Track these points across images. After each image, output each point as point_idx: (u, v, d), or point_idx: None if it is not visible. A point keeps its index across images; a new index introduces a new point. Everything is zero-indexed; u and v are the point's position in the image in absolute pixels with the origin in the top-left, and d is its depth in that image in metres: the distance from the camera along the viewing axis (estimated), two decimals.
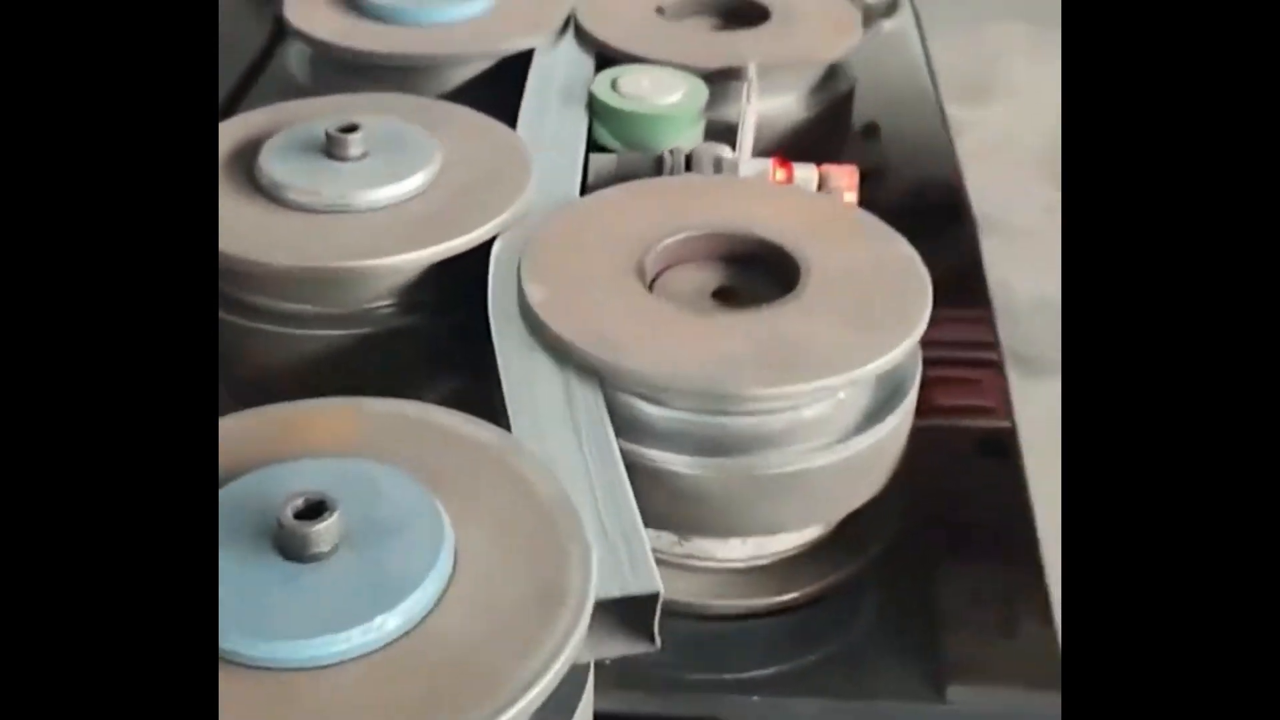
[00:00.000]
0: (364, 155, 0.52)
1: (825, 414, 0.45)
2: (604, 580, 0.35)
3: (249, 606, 0.33)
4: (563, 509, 0.36)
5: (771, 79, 0.65)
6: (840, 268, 0.47)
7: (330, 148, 0.52)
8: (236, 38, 0.78)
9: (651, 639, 0.36)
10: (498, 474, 0.37)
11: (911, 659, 0.46)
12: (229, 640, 0.32)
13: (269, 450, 0.37)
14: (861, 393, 0.46)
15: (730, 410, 0.44)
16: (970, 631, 0.47)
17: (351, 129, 0.52)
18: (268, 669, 0.32)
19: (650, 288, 0.47)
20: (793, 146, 0.67)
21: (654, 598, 0.35)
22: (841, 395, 0.45)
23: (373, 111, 0.55)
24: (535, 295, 0.45)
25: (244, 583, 0.33)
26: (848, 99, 0.71)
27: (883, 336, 0.44)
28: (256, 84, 0.76)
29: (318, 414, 0.40)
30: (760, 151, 0.61)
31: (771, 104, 0.66)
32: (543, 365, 0.44)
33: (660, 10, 0.71)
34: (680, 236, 0.48)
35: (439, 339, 0.48)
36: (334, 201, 0.50)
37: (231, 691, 0.31)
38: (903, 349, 0.44)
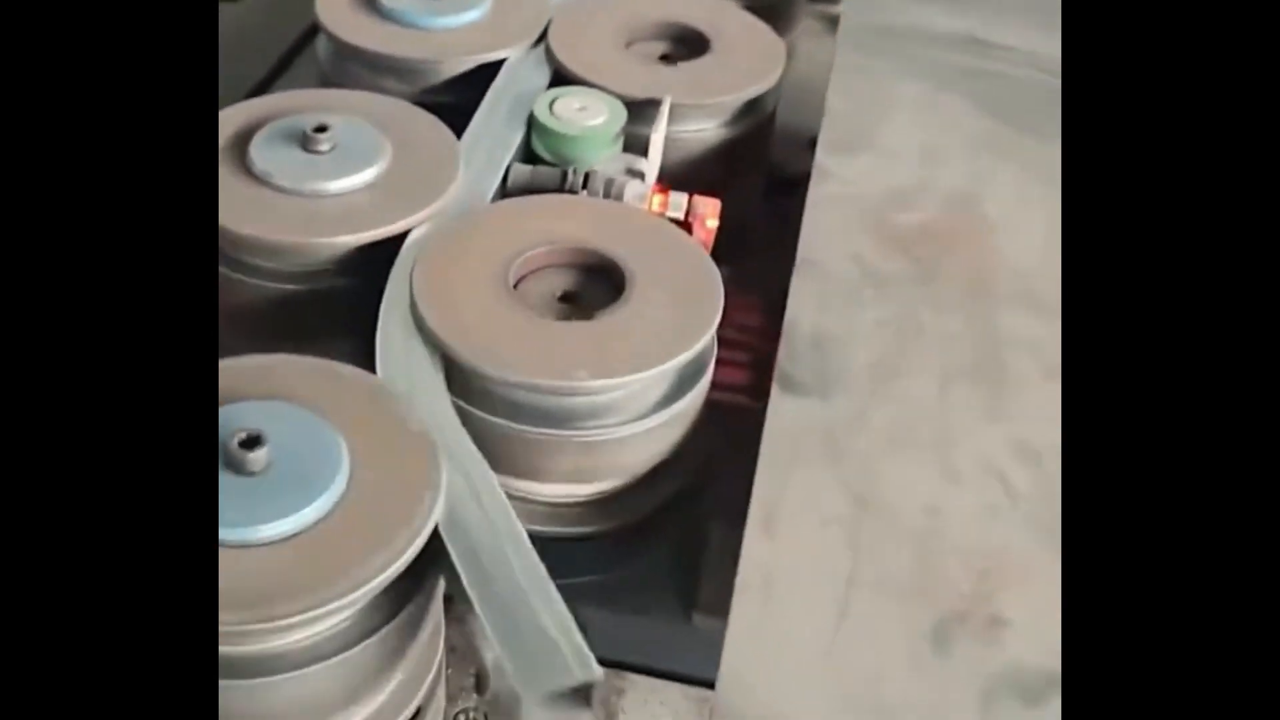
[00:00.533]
0: (331, 149, 0.68)
1: (635, 395, 0.60)
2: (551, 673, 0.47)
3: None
4: (425, 443, 0.51)
5: (693, 109, 0.79)
6: (658, 279, 0.62)
7: (305, 142, 0.68)
8: (276, 25, 0.94)
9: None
10: (383, 415, 0.53)
11: (673, 587, 0.62)
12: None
13: (226, 391, 0.53)
14: (665, 378, 0.61)
15: (560, 393, 0.59)
16: (716, 572, 0.62)
17: (323, 129, 0.67)
18: (228, 546, 0.48)
19: (515, 287, 0.62)
20: (714, 163, 0.82)
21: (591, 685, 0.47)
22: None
23: (348, 110, 0.71)
24: (420, 291, 0.61)
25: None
26: (769, 121, 0.84)
27: (683, 338, 0.59)
28: (296, 63, 0.92)
29: (258, 366, 0.56)
30: (684, 166, 0.76)
31: (693, 128, 0.81)
32: (416, 350, 0.59)
33: (628, 42, 0.85)
34: (540, 250, 0.63)
35: (352, 305, 0.64)
36: (301, 187, 0.66)
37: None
38: (697, 348, 0.59)
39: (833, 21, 0.95)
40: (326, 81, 0.84)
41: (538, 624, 0.47)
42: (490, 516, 0.50)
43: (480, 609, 0.48)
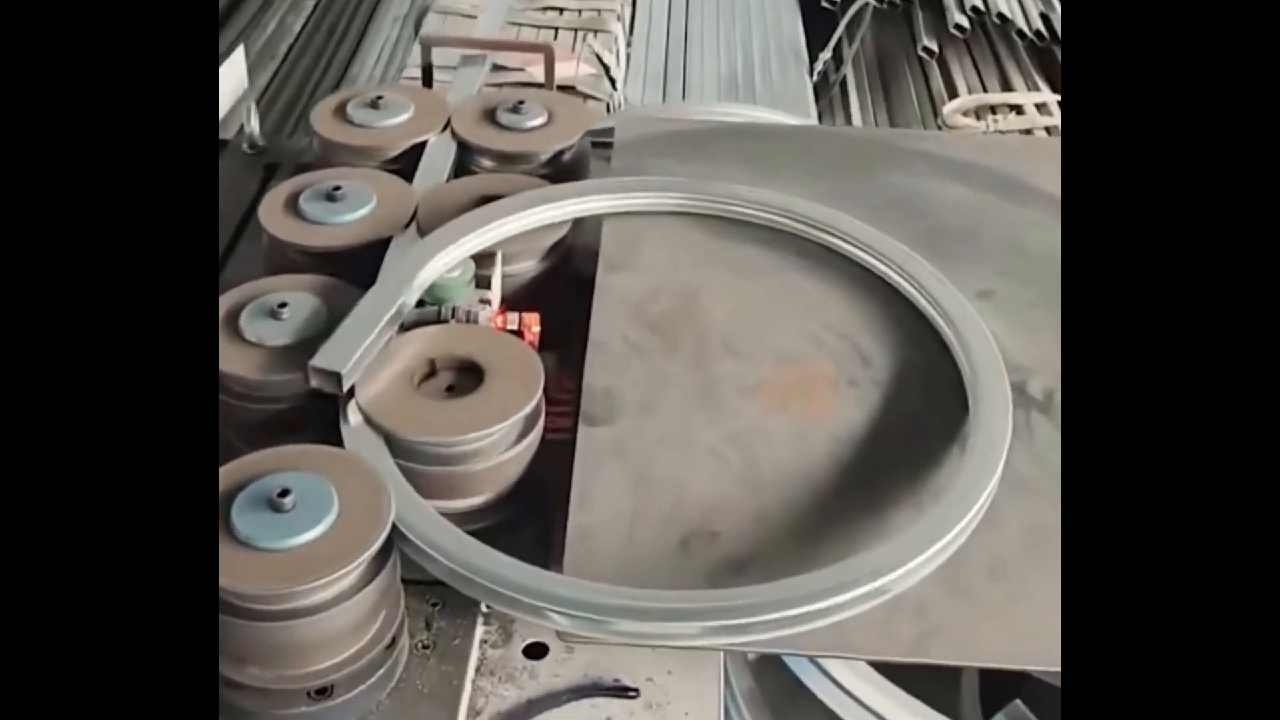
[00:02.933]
0: (290, 318, 1.08)
1: (496, 441, 1.01)
2: None
3: (262, 529, 0.87)
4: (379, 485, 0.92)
5: (516, 254, 1.22)
6: (503, 370, 1.03)
7: (273, 314, 1.08)
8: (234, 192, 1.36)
9: None
10: (357, 477, 0.93)
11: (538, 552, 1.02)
12: (258, 541, 0.87)
13: (267, 466, 0.93)
14: (513, 428, 1.02)
15: (448, 445, 1.00)
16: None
17: (284, 305, 1.08)
18: (270, 550, 0.86)
19: (419, 386, 1.03)
20: (536, 287, 1.24)
21: None
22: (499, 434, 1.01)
23: (296, 289, 1.12)
24: (361, 393, 1.01)
25: (259, 521, 0.87)
26: (569, 254, 1.27)
27: (519, 404, 1.00)
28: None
29: (280, 452, 0.95)
30: (517, 292, 1.18)
31: (518, 267, 1.23)
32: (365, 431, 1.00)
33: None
34: (432, 358, 1.04)
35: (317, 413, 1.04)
36: (264, 340, 1.06)
37: (253, 562, 0.85)
38: (526, 410, 1.00)
39: None
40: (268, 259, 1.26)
41: None
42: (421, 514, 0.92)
43: None
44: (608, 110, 2.01)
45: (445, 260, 1.15)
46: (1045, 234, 1.26)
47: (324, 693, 0.90)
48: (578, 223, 1.27)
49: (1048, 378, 1.09)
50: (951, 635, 0.91)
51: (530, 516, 1.04)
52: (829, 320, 1.15)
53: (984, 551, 0.95)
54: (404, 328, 1.11)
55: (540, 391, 1.01)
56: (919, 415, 1.06)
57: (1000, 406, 1.00)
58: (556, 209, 1.22)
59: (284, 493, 0.88)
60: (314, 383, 0.99)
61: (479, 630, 1.00)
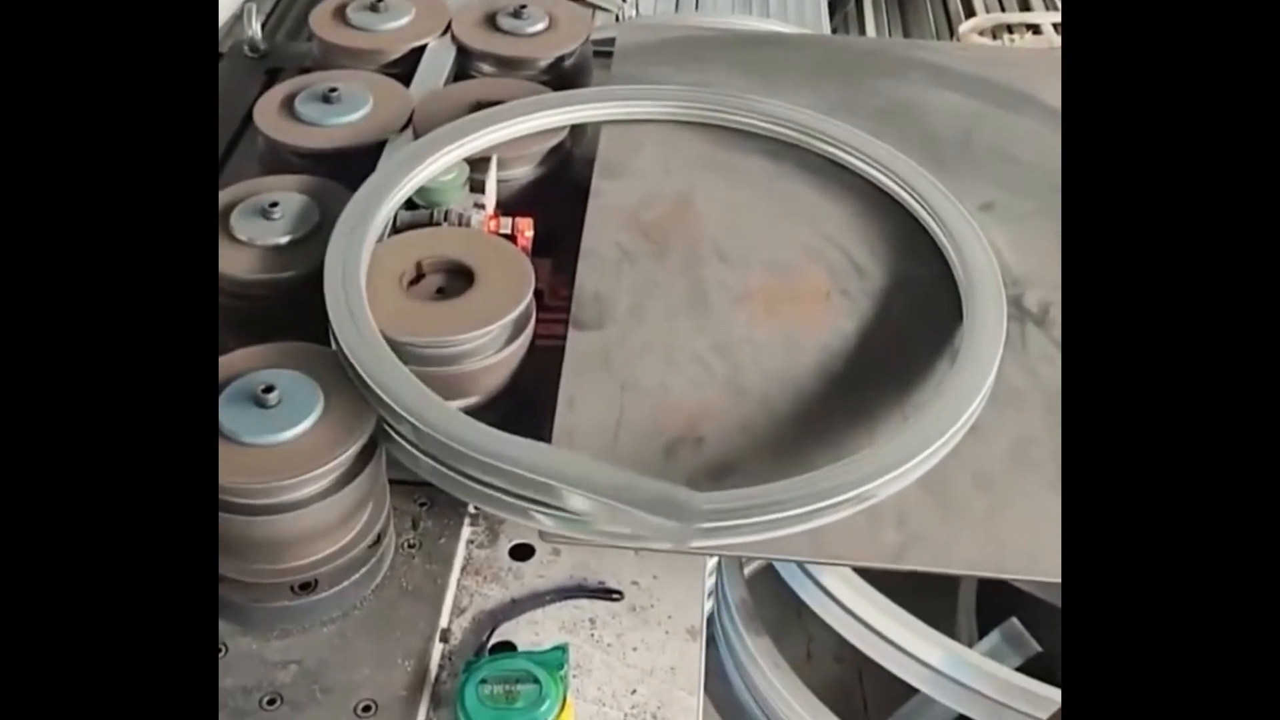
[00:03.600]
0: (280, 217, 1.08)
1: (486, 343, 1.01)
2: None
3: (246, 423, 0.87)
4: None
5: (512, 159, 1.20)
6: (494, 274, 1.02)
7: (264, 214, 1.08)
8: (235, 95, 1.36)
9: None
10: (338, 373, 0.93)
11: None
12: (241, 436, 0.87)
13: (253, 363, 0.93)
14: (503, 330, 1.02)
15: (436, 346, 0.99)
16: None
17: (274, 204, 1.08)
18: (253, 445, 0.86)
19: (408, 288, 1.03)
20: (531, 193, 1.23)
21: None
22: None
23: (287, 189, 1.11)
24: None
25: (243, 416, 0.88)
26: (567, 160, 1.26)
27: (507, 308, 1.00)
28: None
29: (265, 349, 0.95)
30: (512, 197, 1.17)
31: (514, 172, 1.22)
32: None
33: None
34: (419, 260, 1.04)
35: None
36: (257, 239, 1.06)
37: (236, 457, 0.86)
38: (516, 313, 1.00)
39: None
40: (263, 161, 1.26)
41: None
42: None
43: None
44: (616, 20, 1.98)
45: (439, 164, 1.14)
46: (1043, 145, 1.24)
47: (307, 587, 0.91)
48: (576, 129, 1.26)
49: (1045, 290, 1.08)
50: (932, 543, 0.91)
51: (519, 420, 1.04)
52: (824, 230, 1.14)
53: (969, 462, 0.94)
54: (396, 230, 1.10)
55: (530, 295, 1.01)
56: (912, 327, 1.05)
57: (994, 317, 0.98)
58: (552, 116, 1.20)
59: (268, 389, 0.88)
60: None
61: (465, 531, 1.01)
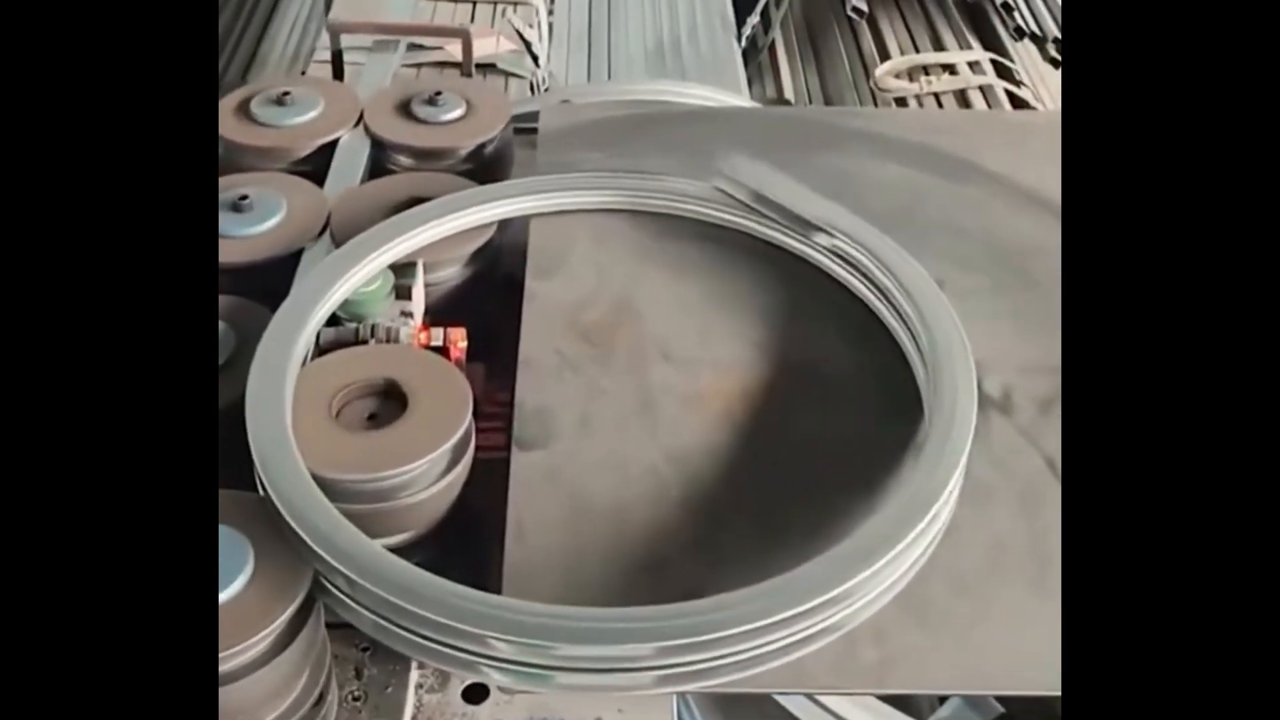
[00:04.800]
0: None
1: (421, 474, 0.94)
2: None
3: None
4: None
5: (437, 263, 1.14)
6: (428, 393, 0.96)
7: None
8: None
9: None
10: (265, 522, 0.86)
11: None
12: None
13: None
14: (442, 457, 0.95)
15: (370, 482, 0.92)
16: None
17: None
18: None
19: (337, 415, 0.96)
20: (464, 292, 1.17)
21: None
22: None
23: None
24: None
25: None
26: (493, 262, 1.20)
27: (444, 428, 0.93)
28: None
29: None
30: (441, 302, 1.11)
31: (442, 274, 1.16)
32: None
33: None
34: (350, 385, 0.97)
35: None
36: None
37: None
38: (454, 440, 0.94)
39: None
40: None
41: None
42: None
43: None
44: (531, 89, 1.93)
45: (362, 274, 1.07)
46: (989, 215, 1.20)
47: None
48: (503, 223, 1.19)
49: (1007, 374, 1.04)
50: (913, 661, 0.86)
51: (465, 551, 0.98)
52: (771, 321, 1.09)
53: (944, 567, 0.90)
54: (320, 350, 1.03)
55: (469, 418, 0.95)
56: (872, 420, 1.00)
57: (964, 411, 0.93)
58: (480, 212, 1.14)
59: None
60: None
61: (414, 675, 0.94)
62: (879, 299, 1.07)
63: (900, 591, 0.87)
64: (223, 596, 0.80)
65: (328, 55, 1.80)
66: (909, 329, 1.03)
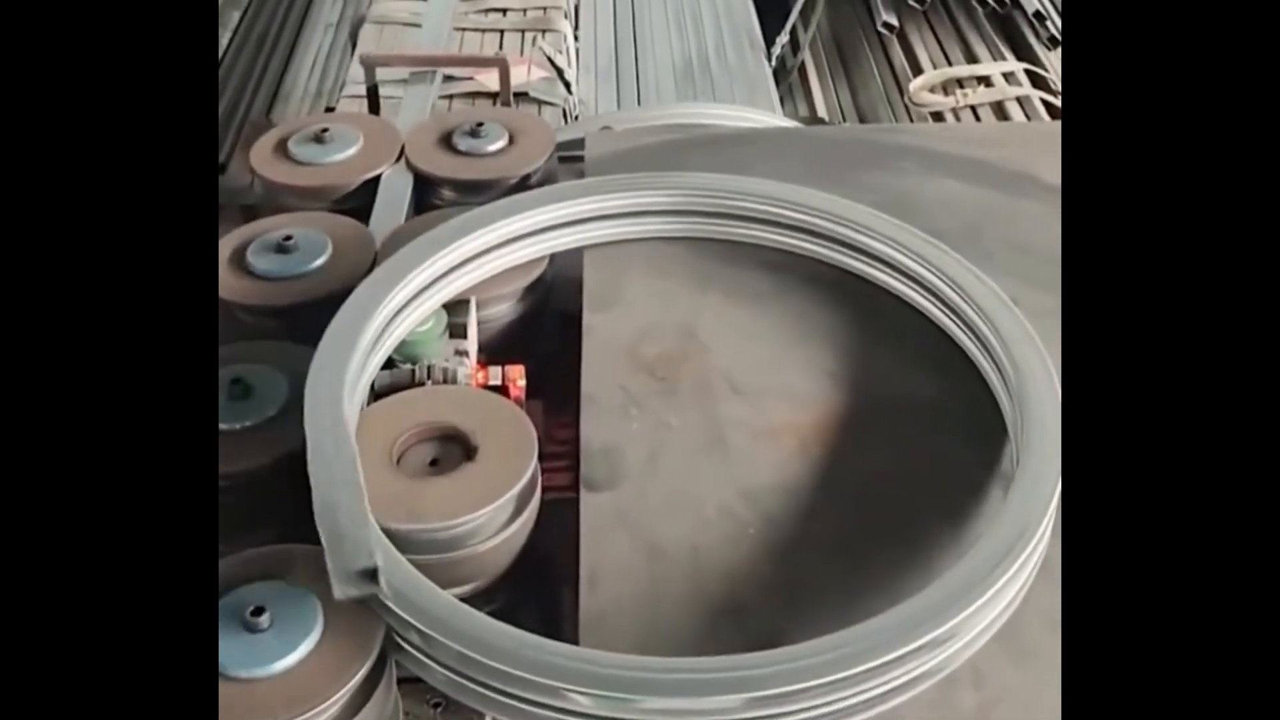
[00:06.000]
0: (243, 396, 0.97)
1: (484, 523, 0.90)
2: None
3: (233, 653, 0.75)
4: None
5: (490, 299, 1.11)
6: (491, 436, 0.92)
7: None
8: None
9: None
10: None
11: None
12: (228, 669, 0.75)
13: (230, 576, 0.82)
14: (509, 503, 0.91)
15: (436, 531, 0.88)
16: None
17: (237, 380, 0.97)
18: (243, 679, 0.75)
19: (398, 462, 0.92)
20: (516, 328, 1.13)
21: None
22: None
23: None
24: None
25: (229, 644, 0.75)
26: (546, 295, 1.16)
27: (508, 478, 0.90)
28: None
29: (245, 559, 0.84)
30: (496, 338, 1.07)
31: (496, 309, 1.12)
32: None
33: None
34: (410, 431, 0.93)
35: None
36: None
37: (223, 693, 0.73)
38: (521, 485, 0.90)
39: None
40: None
41: None
42: None
43: None
44: (564, 116, 1.90)
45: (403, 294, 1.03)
46: (1053, 230, 1.16)
47: None
48: (554, 256, 1.16)
49: None
50: (1016, 702, 0.81)
51: (534, 595, 0.94)
52: (840, 348, 1.05)
53: (1039, 603, 0.85)
54: (375, 395, 1.00)
55: (535, 462, 0.91)
56: (955, 451, 0.96)
57: (1053, 438, 0.89)
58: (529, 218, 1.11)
59: (258, 611, 0.77)
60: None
61: None
62: (954, 322, 1.03)
63: (998, 631, 0.83)
64: (293, 658, 0.76)
65: (354, 90, 1.78)
66: (989, 353, 0.99)
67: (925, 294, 1.05)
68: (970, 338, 1.01)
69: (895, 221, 1.09)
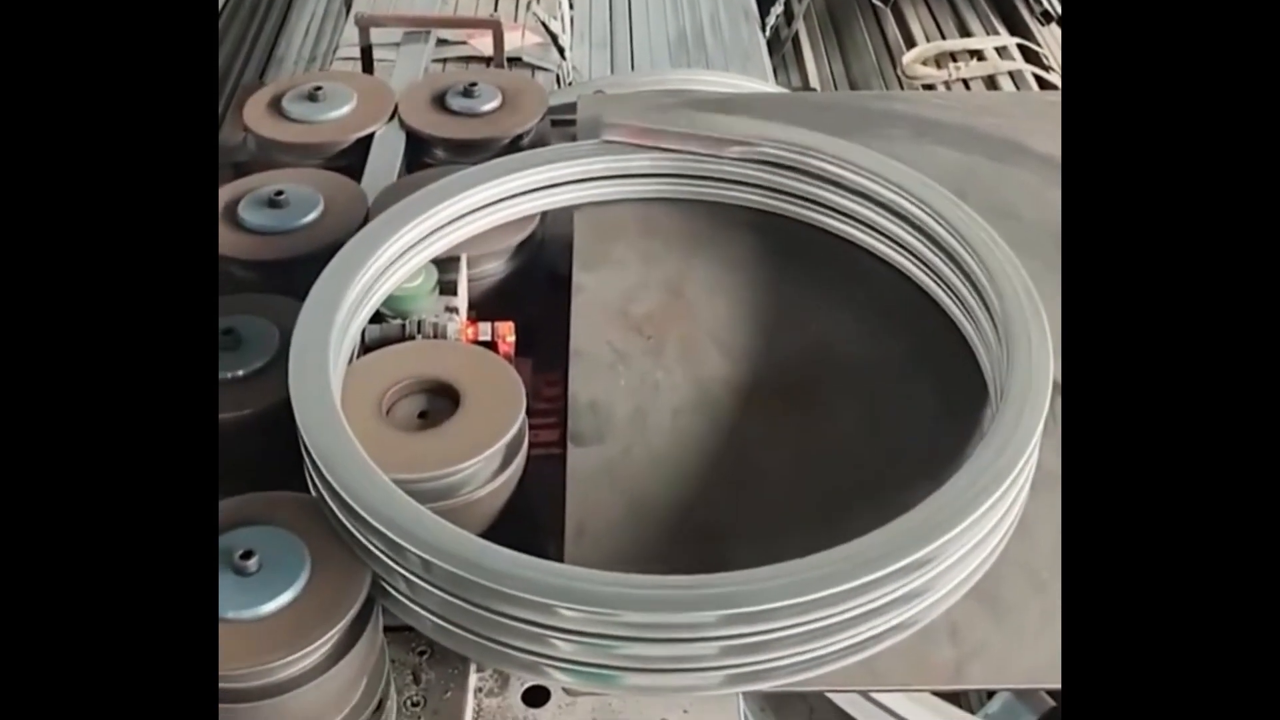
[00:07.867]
0: (235, 346, 0.97)
1: (473, 473, 0.91)
2: None
3: (223, 595, 0.75)
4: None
5: (480, 257, 1.12)
6: (480, 389, 0.93)
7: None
8: None
9: None
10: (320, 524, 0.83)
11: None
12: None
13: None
14: (497, 454, 0.92)
15: (426, 481, 0.89)
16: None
17: (229, 330, 0.98)
18: (233, 620, 0.75)
19: (387, 414, 0.93)
20: (506, 286, 1.14)
21: None
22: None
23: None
24: None
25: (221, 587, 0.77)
26: (536, 254, 1.17)
27: (496, 429, 0.91)
28: None
29: (234, 504, 0.85)
30: (486, 295, 1.08)
31: (487, 267, 1.13)
32: None
33: None
34: (400, 384, 0.94)
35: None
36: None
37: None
38: (508, 437, 0.91)
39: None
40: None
41: None
42: None
43: None
44: (557, 82, 1.90)
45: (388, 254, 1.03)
46: (1041, 198, 1.17)
47: None
48: (545, 214, 1.17)
49: None
50: (991, 656, 0.83)
51: (520, 547, 0.95)
52: (827, 308, 1.06)
53: (1017, 559, 0.87)
54: (366, 348, 1.01)
55: (523, 414, 0.92)
56: (938, 411, 0.97)
57: (1036, 403, 0.89)
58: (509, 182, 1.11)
59: (247, 554, 0.78)
60: None
61: (472, 679, 0.91)
62: (938, 255, 1.03)
63: (974, 586, 0.84)
64: (279, 602, 0.77)
65: (348, 53, 1.79)
66: (972, 284, 0.99)
67: (908, 228, 1.06)
68: (954, 270, 1.01)
69: (877, 155, 1.10)
